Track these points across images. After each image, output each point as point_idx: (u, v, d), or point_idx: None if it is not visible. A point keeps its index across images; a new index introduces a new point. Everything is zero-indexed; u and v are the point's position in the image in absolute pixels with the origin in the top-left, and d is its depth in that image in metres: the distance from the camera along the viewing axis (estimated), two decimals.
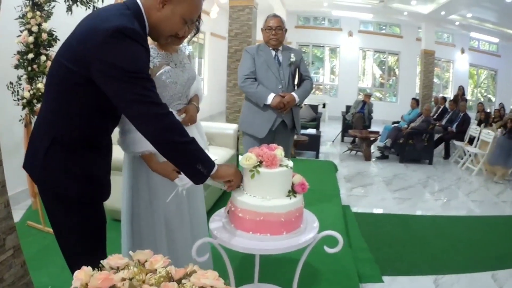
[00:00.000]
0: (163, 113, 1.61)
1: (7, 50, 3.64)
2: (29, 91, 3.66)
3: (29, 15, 3.62)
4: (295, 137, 5.99)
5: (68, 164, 1.67)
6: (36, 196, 3.90)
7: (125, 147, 2.11)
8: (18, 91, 3.74)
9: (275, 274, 3.06)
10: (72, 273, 1.14)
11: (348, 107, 11.35)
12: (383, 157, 8.64)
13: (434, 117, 10.30)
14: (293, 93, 3.81)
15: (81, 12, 3.79)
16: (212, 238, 1.95)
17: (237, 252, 1.89)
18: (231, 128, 5.34)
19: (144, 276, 1.08)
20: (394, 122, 10.35)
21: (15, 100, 3.74)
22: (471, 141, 8.38)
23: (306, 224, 2.04)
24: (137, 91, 1.54)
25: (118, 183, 2.31)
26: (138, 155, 2.11)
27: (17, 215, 4.17)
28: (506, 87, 15.96)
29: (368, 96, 10.82)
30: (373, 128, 10.11)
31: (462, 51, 16.13)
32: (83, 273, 1.07)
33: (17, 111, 3.83)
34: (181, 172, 1.94)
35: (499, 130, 7.85)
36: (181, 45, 2.29)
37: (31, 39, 3.62)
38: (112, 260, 1.17)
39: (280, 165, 1.96)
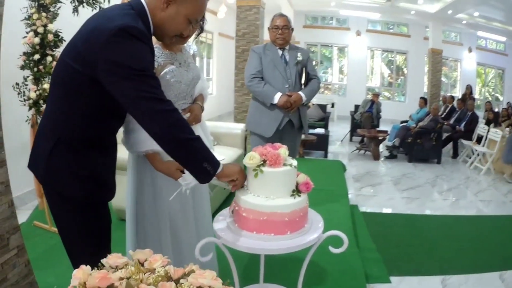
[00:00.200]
0: (168, 110, 1.60)
1: (13, 51, 3.65)
2: (35, 91, 3.68)
3: (35, 16, 3.64)
4: (303, 136, 6.00)
5: (72, 164, 1.67)
6: (43, 197, 3.91)
7: (129, 147, 2.11)
8: (24, 91, 3.75)
9: (280, 274, 3.05)
10: None
11: (356, 107, 11.32)
12: (391, 156, 8.59)
13: (442, 116, 10.24)
14: (300, 92, 3.80)
15: (87, 13, 3.81)
16: (216, 238, 1.94)
17: (242, 252, 1.88)
18: (238, 127, 5.34)
19: (142, 275, 1.07)
20: (402, 122, 10.30)
21: (21, 101, 3.75)
22: (479, 140, 8.31)
23: (311, 223, 2.02)
24: (142, 89, 1.53)
25: (124, 183, 2.31)
26: (142, 155, 2.11)
27: (24, 215, 4.21)
28: None
29: (377, 95, 10.78)
30: (382, 127, 10.06)
31: (470, 50, 16.01)
32: (82, 272, 1.07)
33: (24, 111, 3.85)
34: (185, 172, 1.95)
35: (507, 129, 7.79)
36: (185, 45, 2.29)
37: (37, 40, 3.63)
38: (111, 259, 1.16)
39: (284, 164, 1.94)
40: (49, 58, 3.72)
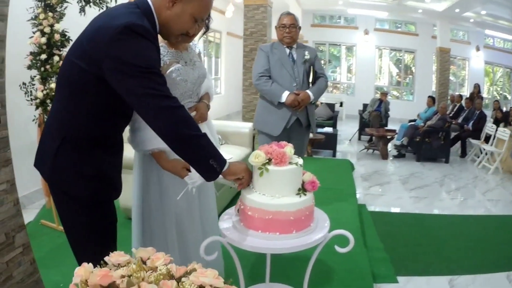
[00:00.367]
0: (174, 107, 1.60)
1: (20, 51, 3.66)
2: (42, 91, 3.69)
3: (41, 16, 3.65)
4: (311, 135, 5.98)
5: (78, 163, 1.68)
6: (50, 195, 3.93)
7: (135, 145, 2.11)
8: (31, 91, 3.77)
9: (287, 274, 3.04)
10: None
11: (365, 106, 11.30)
12: (399, 155, 8.55)
13: (451, 115, 10.19)
14: (308, 91, 3.79)
15: (94, 13, 3.82)
16: (221, 237, 1.93)
17: (248, 251, 1.87)
18: (246, 126, 5.33)
19: (144, 273, 1.07)
20: (410, 120, 10.26)
21: (28, 101, 3.77)
22: (487, 139, 8.25)
23: (317, 222, 2.01)
24: (148, 85, 1.53)
25: (131, 182, 2.31)
26: (148, 153, 2.11)
27: (31, 214, 4.23)
28: None
29: (385, 94, 10.75)
30: (390, 126, 10.03)
31: (477, 49, 15.88)
32: (83, 269, 1.07)
33: (31, 111, 3.87)
34: (191, 170, 1.94)
35: None
36: (191, 43, 2.28)
37: (43, 40, 3.65)
38: (113, 257, 1.16)
39: (290, 163, 1.93)
40: (56, 58, 3.73)
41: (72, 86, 1.64)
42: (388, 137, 8.46)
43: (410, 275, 3.42)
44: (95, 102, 1.65)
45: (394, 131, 8.78)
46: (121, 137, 1.88)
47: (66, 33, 3.84)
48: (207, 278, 1.05)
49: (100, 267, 1.13)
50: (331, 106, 10.91)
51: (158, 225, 2.21)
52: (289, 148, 1.96)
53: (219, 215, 2.18)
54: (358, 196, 5.50)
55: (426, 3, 12.23)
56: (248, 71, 8.58)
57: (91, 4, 3.92)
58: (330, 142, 8.17)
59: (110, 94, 1.60)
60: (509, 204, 5.71)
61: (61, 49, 3.80)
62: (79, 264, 1.72)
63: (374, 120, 9.80)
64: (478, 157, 8.21)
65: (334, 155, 8.25)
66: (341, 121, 13.43)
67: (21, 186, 2.13)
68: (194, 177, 1.97)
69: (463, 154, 8.94)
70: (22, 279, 2.04)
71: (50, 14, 3.69)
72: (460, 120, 9.77)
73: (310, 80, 4.01)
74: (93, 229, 1.77)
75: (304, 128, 3.97)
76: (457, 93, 12.30)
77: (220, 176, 1.74)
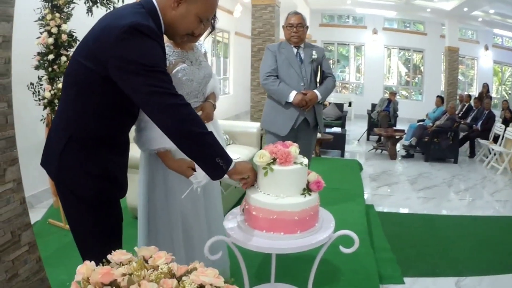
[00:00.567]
0: (180, 104, 1.60)
1: (28, 51, 3.69)
2: (50, 91, 3.71)
3: (49, 17, 3.68)
4: (319, 135, 5.97)
5: (84, 162, 1.69)
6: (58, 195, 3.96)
7: (141, 145, 2.12)
8: (39, 91, 3.79)
9: (292, 274, 3.04)
10: None
11: (373, 106, 11.25)
12: (408, 155, 8.50)
13: (459, 115, 10.12)
14: (315, 91, 3.78)
15: (101, 13, 3.84)
16: (226, 237, 1.94)
17: (254, 251, 1.87)
18: (254, 126, 5.34)
19: (145, 272, 1.07)
20: (419, 120, 10.20)
21: (36, 101, 3.80)
22: (496, 139, 8.18)
23: (322, 223, 2.00)
24: (153, 84, 1.54)
25: (137, 181, 2.32)
26: (154, 153, 2.11)
27: (39, 213, 4.27)
28: None
29: (393, 94, 10.70)
30: (399, 126, 9.99)
31: (486, 48, 15.74)
32: (85, 267, 1.08)
33: (39, 111, 3.90)
34: (197, 170, 1.95)
35: None
36: (197, 43, 2.29)
37: (50, 40, 3.67)
38: (115, 255, 1.17)
39: (295, 163, 1.92)
40: (63, 58, 3.75)
41: (78, 86, 1.65)
42: (397, 137, 8.42)
43: (416, 276, 3.40)
44: (101, 102, 1.66)
45: (402, 131, 8.73)
46: (127, 136, 1.89)
47: (73, 34, 3.87)
48: (207, 277, 1.05)
49: (103, 265, 1.13)
50: (339, 106, 10.89)
51: (164, 225, 2.22)
52: (294, 148, 1.96)
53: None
54: (366, 196, 5.50)
55: (435, 2, 12.17)
56: (256, 71, 8.58)
57: (98, 4, 3.94)
58: (339, 142, 8.14)
59: (116, 94, 1.61)
60: None
61: (68, 49, 3.83)
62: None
63: (382, 120, 9.76)
64: (487, 158, 8.14)
65: (342, 155, 8.22)
66: (349, 121, 13.40)
67: (29, 185, 2.16)
68: (199, 177, 1.97)
69: (472, 154, 8.87)
70: (27, 277, 2.06)
71: (57, 14, 3.72)
72: (468, 120, 9.70)
73: (318, 79, 4.00)
74: (98, 228, 1.78)
75: (312, 128, 3.96)
76: (465, 93, 12.21)
77: (226, 175, 1.74)
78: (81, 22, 3.52)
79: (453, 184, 6.65)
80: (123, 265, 1.13)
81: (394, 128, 9.37)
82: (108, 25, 1.57)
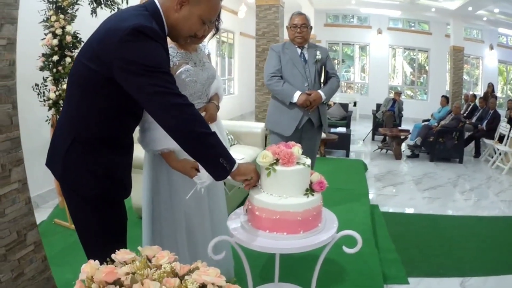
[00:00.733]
0: (184, 104, 1.62)
1: (32, 52, 3.71)
2: (54, 92, 3.73)
3: (53, 18, 3.70)
4: (324, 135, 5.97)
5: (88, 162, 1.71)
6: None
7: (144, 145, 2.14)
8: (44, 92, 3.81)
9: (296, 274, 3.04)
10: None
11: (378, 106, 11.24)
12: (413, 155, 8.48)
13: (464, 114, 10.09)
14: (319, 91, 3.79)
15: (105, 15, 3.86)
16: (229, 237, 1.95)
17: (258, 251, 1.88)
18: (258, 127, 5.34)
19: (148, 271, 1.09)
20: (424, 120, 10.18)
21: (41, 101, 3.82)
22: (501, 139, 8.14)
23: (325, 223, 2.01)
24: (157, 84, 1.56)
25: (141, 182, 2.33)
26: (157, 153, 2.13)
27: (45, 213, 4.30)
28: None
29: (398, 94, 10.68)
30: (404, 126, 9.97)
31: (491, 48, 15.66)
32: (89, 266, 1.09)
33: (44, 112, 3.92)
34: (200, 171, 1.96)
35: None
36: (200, 45, 2.31)
37: (55, 41, 3.69)
38: (119, 254, 1.18)
39: (297, 163, 1.93)
40: (68, 59, 3.77)
41: (82, 87, 1.67)
42: (402, 137, 8.41)
43: (421, 276, 3.40)
44: (105, 103, 1.68)
45: (407, 131, 8.72)
46: (131, 137, 1.90)
47: (78, 35, 3.89)
48: (208, 277, 1.06)
49: (107, 264, 1.15)
50: (344, 106, 10.87)
51: (168, 225, 2.23)
52: (296, 148, 1.97)
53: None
54: (371, 196, 5.50)
55: (439, 2, 12.14)
56: (261, 71, 8.59)
57: (102, 6, 3.97)
58: (343, 142, 8.13)
59: (120, 95, 1.62)
60: None
61: (73, 50, 3.84)
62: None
63: (387, 120, 9.75)
64: (492, 157, 8.11)
65: (347, 155, 8.22)
66: (355, 121, 13.38)
67: (35, 186, 2.18)
68: (203, 177, 1.99)
69: (477, 154, 8.84)
70: (33, 276, 2.08)
71: (62, 16, 3.73)
72: (474, 119, 9.68)
73: (322, 80, 4.00)
74: (103, 228, 1.79)
75: (316, 128, 3.97)
76: (471, 93, 12.18)
77: (228, 176, 1.75)
78: (85, 24, 3.55)
79: (458, 184, 6.63)
80: (126, 264, 1.15)
81: (399, 128, 9.35)
82: (112, 27, 1.58)
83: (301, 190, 1.92)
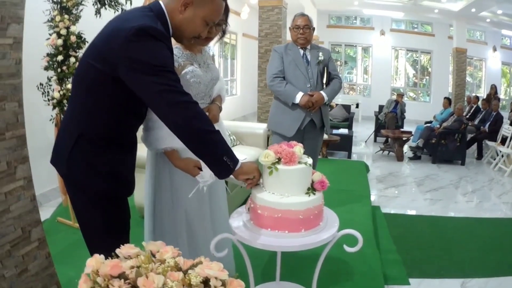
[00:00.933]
0: (189, 101, 1.64)
1: (37, 52, 3.74)
2: (59, 91, 3.76)
3: (57, 18, 3.71)
4: (326, 136, 5.97)
5: (93, 160, 1.73)
6: (67, 193, 3.99)
7: (148, 144, 2.16)
8: (48, 91, 3.84)
9: (297, 273, 3.05)
10: None
11: (381, 107, 11.23)
12: (415, 157, 8.48)
13: (467, 116, 10.08)
14: (322, 92, 3.80)
15: (109, 15, 3.87)
16: (231, 235, 1.97)
17: (259, 250, 1.89)
18: (261, 127, 5.36)
19: (153, 265, 1.11)
20: (426, 122, 10.18)
21: (45, 101, 3.84)
22: (503, 141, 8.13)
23: (326, 222, 2.03)
24: (163, 82, 1.58)
25: (143, 180, 2.36)
26: (160, 152, 2.15)
27: (48, 212, 4.32)
28: None
29: (401, 95, 10.68)
30: (406, 128, 9.95)
31: (494, 49, 15.62)
32: (94, 260, 1.11)
33: (48, 111, 3.94)
34: (203, 169, 1.99)
35: None
36: (205, 46, 2.33)
37: (60, 41, 3.71)
38: (124, 249, 1.20)
39: (299, 162, 1.96)
40: (72, 59, 3.79)
41: (87, 87, 1.70)
42: (404, 138, 8.42)
43: (422, 277, 3.41)
44: (110, 102, 1.70)
45: (409, 132, 8.71)
46: (135, 136, 1.93)
47: (82, 35, 3.91)
48: (212, 271, 1.08)
49: (112, 258, 1.17)
50: (346, 107, 10.86)
51: (169, 223, 2.25)
52: (298, 148, 1.99)
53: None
54: (372, 198, 5.51)
55: (442, 3, 12.12)
56: (263, 72, 8.59)
57: (107, 6, 3.99)
58: (346, 143, 8.14)
59: (125, 94, 1.65)
60: None
61: (77, 50, 3.86)
62: None
63: (389, 121, 9.76)
64: (494, 159, 8.10)
65: (349, 156, 8.22)
66: (357, 123, 13.38)
67: (38, 185, 2.20)
68: (206, 176, 2.01)
69: (480, 156, 8.82)
70: (37, 272, 2.10)
71: (66, 16, 3.75)
72: (476, 121, 9.67)
73: (324, 81, 4.01)
74: (106, 225, 1.82)
75: (318, 129, 3.98)
76: (473, 94, 12.16)
77: (231, 175, 1.77)
78: (90, 24, 3.57)
79: (460, 186, 6.63)
80: (131, 258, 1.17)
81: (401, 129, 9.35)
82: (118, 27, 1.61)
83: (302, 189, 1.94)
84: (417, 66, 16.74)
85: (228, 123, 5.16)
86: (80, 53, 3.85)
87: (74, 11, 3.87)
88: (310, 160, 2.01)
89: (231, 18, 2.19)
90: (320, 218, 2.00)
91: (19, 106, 1.99)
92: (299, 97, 3.73)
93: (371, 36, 16.20)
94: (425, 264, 3.65)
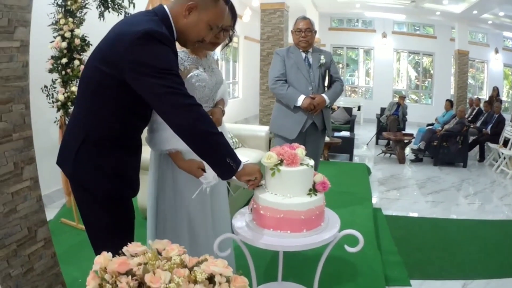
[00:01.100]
0: (194, 104, 1.68)
1: (41, 55, 3.77)
2: (63, 94, 3.79)
3: (62, 21, 3.75)
4: (328, 139, 6.00)
5: (98, 161, 1.77)
6: (70, 195, 4.04)
7: (152, 145, 2.18)
8: (52, 94, 3.87)
9: (299, 273, 3.08)
10: None
11: (382, 110, 11.24)
12: (417, 160, 8.49)
13: (469, 119, 10.09)
14: (323, 95, 3.83)
15: (113, 18, 3.91)
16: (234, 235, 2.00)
17: (261, 251, 1.92)
18: (263, 130, 5.38)
19: (159, 262, 1.14)
20: (428, 124, 10.20)
21: (49, 103, 3.87)
22: (505, 143, 8.13)
23: (328, 222, 2.06)
24: (168, 85, 1.61)
25: (147, 182, 2.38)
26: (164, 153, 2.18)
27: (52, 213, 4.35)
28: None
29: (403, 98, 10.69)
30: (408, 130, 9.97)
31: (496, 51, 15.60)
32: (103, 257, 1.14)
33: (53, 113, 3.97)
34: (206, 171, 2.02)
35: None
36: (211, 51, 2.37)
37: (64, 44, 3.74)
38: (131, 247, 1.23)
39: (301, 164, 1.99)
40: (76, 62, 3.83)
41: (94, 89, 1.73)
42: (406, 141, 8.42)
43: (423, 278, 3.43)
44: (115, 105, 1.74)
45: (411, 135, 8.71)
46: (140, 138, 1.96)
47: (86, 38, 3.94)
48: (217, 267, 1.11)
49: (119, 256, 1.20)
50: (348, 110, 10.87)
51: (171, 224, 2.28)
52: (300, 150, 2.02)
53: None
54: (374, 200, 5.53)
55: (444, 5, 12.11)
56: (265, 75, 8.61)
57: (110, 9, 4.03)
58: (347, 146, 8.15)
59: (130, 97, 1.69)
60: None
61: (81, 53, 3.90)
62: None
63: (391, 124, 9.77)
64: (497, 162, 8.11)
65: (351, 159, 8.24)
66: (359, 125, 13.39)
67: (42, 186, 2.23)
68: (209, 177, 2.04)
69: (482, 158, 8.82)
70: (42, 272, 2.13)
71: (70, 19, 3.79)
72: (478, 124, 9.67)
73: (326, 84, 4.03)
74: (111, 225, 1.85)
75: (320, 131, 4.00)
76: (476, 97, 12.15)
77: (233, 177, 1.81)
78: (94, 27, 3.61)
79: (462, 188, 6.63)
80: (137, 256, 1.20)
81: (403, 132, 9.36)
82: (123, 32, 1.64)
83: (304, 190, 1.97)
84: (419, 69, 16.73)
85: (230, 125, 5.19)
86: (84, 55, 3.89)
87: (78, 14, 3.91)
88: (311, 162, 2.04)
89: None
90: (322, 218, 2.02)
91: (26, 108, 2.02)
92: (301, 100, 3.75)
93: (373, 38, 16.20)
94: (426, 265, 3.67)
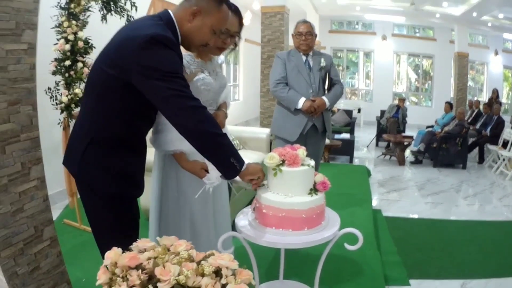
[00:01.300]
0: (199, 106, 1.72)
1: (45, 57, 3.79)
2: (67, 96, 3.81)
3: (65, 24, 3.77)
4: (328, 141, 6.02)
5: (104, 162, 1.81)
6: (73, 196, 4.06)
7: (157, 146, 2.22)
8: (56, 96, 3.90)
9: (300, 272, 3.11)
10: None
11: (382, 112, 11.26)
12: (416, 161, 8.52)
13: (469, 120, 10.11)
14: (324, 98, 3.85)
15: (115, 21, 3.94)
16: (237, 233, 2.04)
17: (263, 250, 1.96)
18: (263, 132, 5.41)
19: (168, 256, 1.18)
20: (428, 127, 10.22)
21: (53, 105, 3.90)
22: (505, 145, 8.16)
23: (328, 221, 2.11)
24: (174, 87, 1.66)
25: (150, 183, 2.42)
26: (168, 154, 2.22)
27: (54, 214, 4.29)
28: None
29: (402, 100, 10.71)
30: (408, 132, 10.00)
31: (496, 53, 15.63)
32: (113, 253, 1.19)
33: (56, 115, 4.00)
34: (209, 171, 2.06)
35: None
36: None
37: (67, 47, 3.77)
38: (140, 243, 1.27)
39: (302, 164, 2.03)
40: (79, 64, 3.85)
41: (100, 92, 1.77)
42: (405, 143, 8.44)
43: (422, 278, 3.46)
44: (121, 107, 1.78)
45: (411, 137, 8.74)
46: (145, 139, 2.00)
47: (89, 41, 3.97)
48: (223, 261, 1.16)
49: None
50: (348, 112, 10.89)
51: (174, 223, 2.31)
52: (301, 151, 2.07)
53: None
54: (374, 201, 5.56)
55: (443, 8, 12.12)
56: (266, 78, 8.63)
57: (113, 12, 4.07)
58: (347, 148, 8.18)
59: (136, 99, 1.73)
60: None
61: (85, 55, 3.92)
62: (103, 258, 1.85)
63: (391, 126, 9.79)
64: (496, 163, 8.14)
65: (351, 161, 8.27)
66: (359, 128, 13.40)
67: None
68: (212, 178, 2.08)
69: (481, 160, 8.85)
70: (48, 270, 2.17)
71: (74, 22, 3.81)
72: (478, 125, 9.70)
73: (326, 86, 4.06)
74: (116, 224, 1.89)
75: (320, 134, 4.03)
76: (475, 99, 12.17)
77: (237, 177, 1.85)
78: (97, 30, 3.64)
79: (462, 190, 6.66)
80: (146, 251, 1.24)
81: (403, 134, 9.39)
82: (129, 36, 1.69)
83: (305, 190, 2.02)
84: (419, 71, 16.75)
85: (231, 127, 5.22)
86: (88, 58, 3.92)
87: (81, 17, 3.93)
88: (312, 162, 2.08)
89: None
90: (322, 217, 2.07)
91: (33, 109, 2.07)
92: (301, 102, 3.79)
93: (373, 41, 16.22)
94: (425, 265, 3.71)
